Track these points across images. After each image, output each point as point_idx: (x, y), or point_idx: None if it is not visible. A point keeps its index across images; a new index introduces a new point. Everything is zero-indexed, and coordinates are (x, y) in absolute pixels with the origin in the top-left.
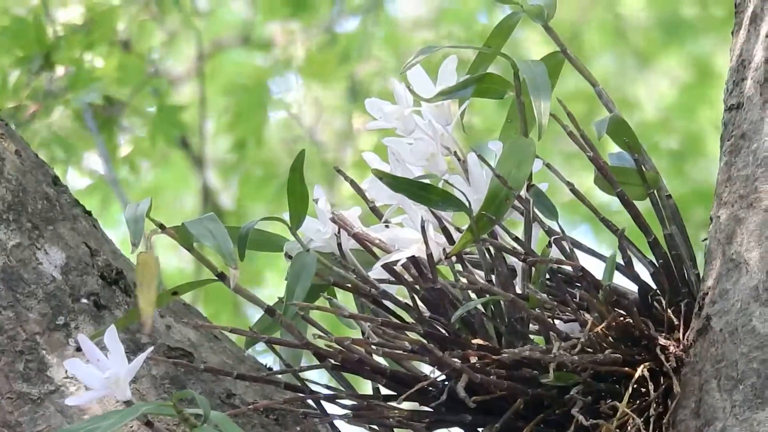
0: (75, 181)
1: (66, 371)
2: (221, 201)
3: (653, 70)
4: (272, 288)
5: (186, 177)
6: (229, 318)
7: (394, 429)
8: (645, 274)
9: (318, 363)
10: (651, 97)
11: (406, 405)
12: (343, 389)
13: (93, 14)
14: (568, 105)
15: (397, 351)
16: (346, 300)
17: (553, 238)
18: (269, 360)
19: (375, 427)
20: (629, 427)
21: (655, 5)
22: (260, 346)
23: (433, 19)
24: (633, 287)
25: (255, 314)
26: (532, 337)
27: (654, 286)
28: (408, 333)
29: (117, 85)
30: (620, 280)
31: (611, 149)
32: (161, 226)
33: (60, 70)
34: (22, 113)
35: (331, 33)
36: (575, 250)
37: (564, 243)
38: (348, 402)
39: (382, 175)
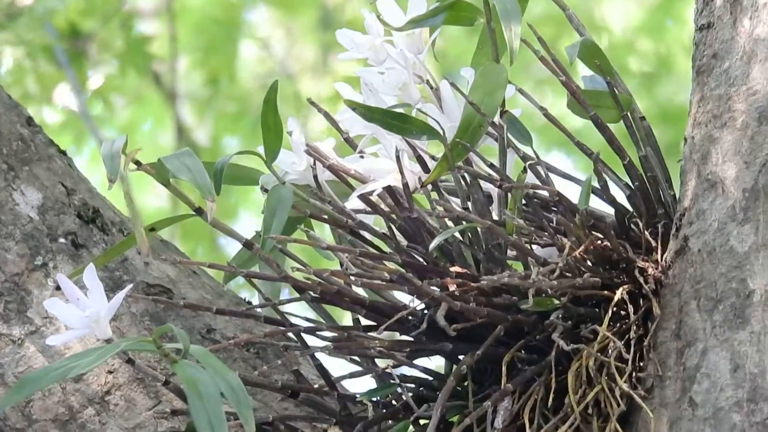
0: (47, 116)
1: (46, 311)
2: (196, 137)
3: None
4: (247, 224)
5: (161, 114)
6: (206, 253)
7: (375, 359)
8: (621, 197)
9: (297, 296)
10: (618, 19)
11: (386, 335)
12: (323, 321)
13: None
14: (537, 30)
15: (376, 281)
16: (323, 232)
17: (528, 163)
18: (248, 294)
19: (356, 357)
20: (610, 351)
21: None
22: (239, 280)
23: None
24: (610, 210)
25: (231, 248)
26: (510, 263)
27: (630, 209)
28: (386, 263)
29: (84, 16)
30: (597, 203)
31: (582, 74)
32: (137, 163)
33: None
34: None
35: None
36: (551, 174)
37: (539, 168)
38: (328, 334)
39: (355, 106)
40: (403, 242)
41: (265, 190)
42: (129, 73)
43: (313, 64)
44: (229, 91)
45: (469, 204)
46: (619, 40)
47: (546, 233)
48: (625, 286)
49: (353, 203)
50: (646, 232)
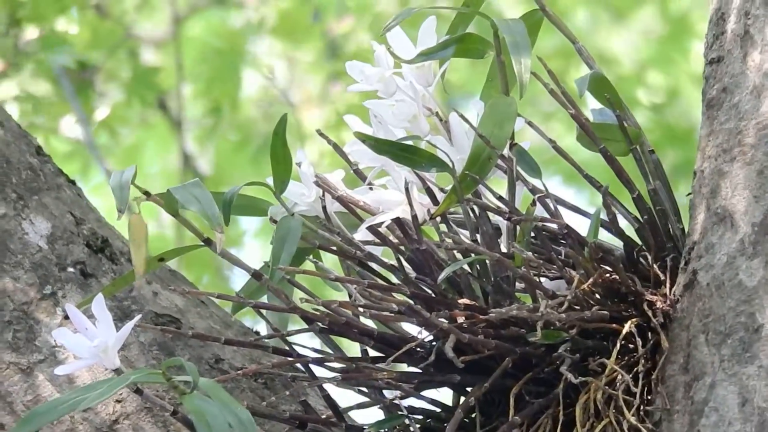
0: (54, 146)
1: (54, 340)
2: (199, 166)
3: (628, 25)
4: (253, 251)
5: (166, 139)
6: (212, 281)
7: (383, 390)
8: (630, 230)
9: (306, 326)
10: (627, 51)
11: (394, 366)
12: (331, 352)
13: None
14: (546, 63)
15: (385, 313)
16: (331, 263)
17: (537, 196)
18: (254, 323)
19: (363, 389)
20: (618, 384)
21: None
22: (246, 309)
23: None
24: (618, 243)
25: (236, 277)
26: (518, 295)
27: (639, 242)
28: (395, 294)
29: (91, 48)
30: (605, 236)
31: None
32: (146, 193)
33: (32, 33)
34: None
35: None
36: (559, 207)
37: (548, 201)
38: (336, 365)
39: (364, 138)
40: (412, 274)
41: (274, 221)
42: (134, 104)
43: (316, 94)
44: (232, 119)
45: (478, 236)
46: (628, 73)
47: (554, 266)
48: (634, 320)
49: (362, 235)
50: (655, 266)
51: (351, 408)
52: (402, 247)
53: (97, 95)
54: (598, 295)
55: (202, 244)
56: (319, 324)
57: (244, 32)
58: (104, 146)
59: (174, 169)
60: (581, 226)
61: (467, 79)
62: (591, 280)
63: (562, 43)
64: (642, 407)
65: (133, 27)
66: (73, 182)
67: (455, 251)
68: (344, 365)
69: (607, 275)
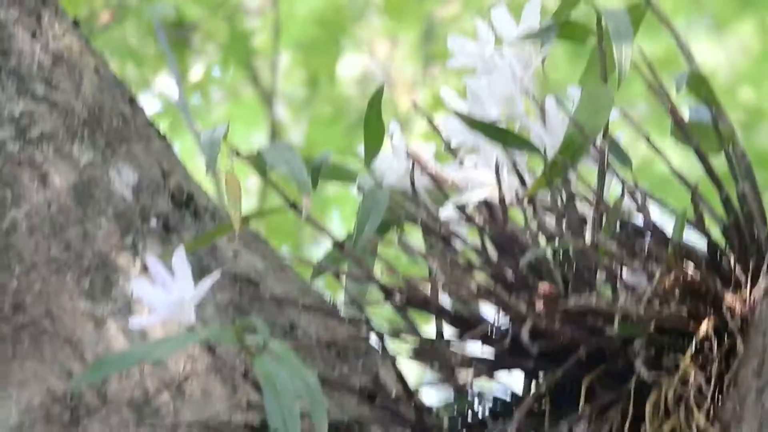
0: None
1: (131, 292)
2: (290, 137)
3: (726, 38)
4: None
5: (256, 114)
6: (292, 252)
7: (455, 368)
8: (715, 230)
9: (384, 299)
10: (722, 64)
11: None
12: (407, 327)
13: None
14: (646, 55)
15: (464, 292)
16: (415, 238)
17: (626, 188)
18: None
19: (436, 367)
20: (690, 384)
21: None
22: (325, 282)
23: None
24: (702, 243)
25: (316, 254)
26: (598, 286)
27: (723, 243)
28: (475, 274)
29: (191, 3)
30: (690, 234)
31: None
32: (236, 152)
33: None
34: (95, 22)
35: None
36: (647, 203)
37: (637, 194)
38: (411, 340)
39: (459, 114)
40: (494, 255)
41: (361, 191)
42: (229, 66)
43: (412, 76)
44: (328, 93)
45: (564, 223)
46: (722, 87)
47: (637, 260)
48: (711, 320)
49: (448, 211)
50: (737, 268)
51: (421, 385)
52: (487, 228)
53: (193, 54)
54: (677, 293)
55: (289, 208)
56: (398, 297)
57: (349, 6)
58: (195, 110)
59: (261, 144)
60: (666, 223)
61: (566, 74)
62: (672, 277)
63: (656, 46)
64: (712, 409)
65: None
66: (163, 135)
67: (539, 236)
68: (418, 342)
69: (689, 274)
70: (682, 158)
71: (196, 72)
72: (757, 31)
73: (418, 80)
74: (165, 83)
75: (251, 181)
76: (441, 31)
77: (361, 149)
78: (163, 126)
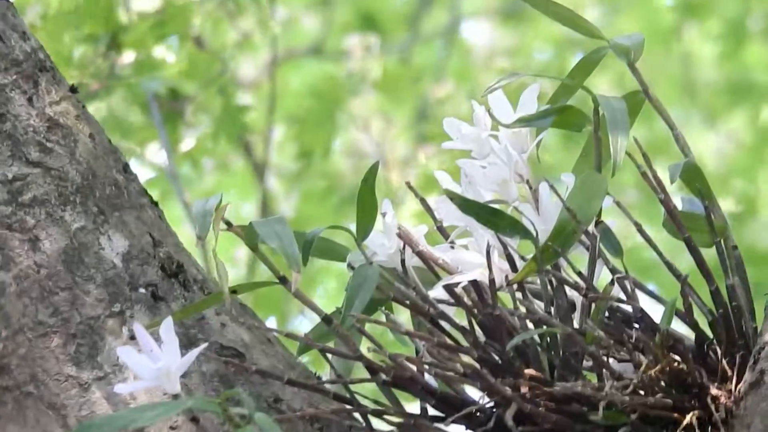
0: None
1: (116, 359)
2: (280, 209)
3: (717, 128)
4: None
5: (246, 184)
6: (279, 324)
7: None
8: (703, 322)
9: (369, 377)
10: (713, 155)
11: (452, 428)
12: (391, 405)
13: (168, 7)
14: (632, 151)
15: (450, 373)
16: (403, 317)
17: (616, 276)
18: (318, 370)
19: None
20: None
21: (726, 66)
22: (310, 356)
23: (508, 50)
24: (690, 334)
25: (302, 325)
26: (584, 373)
27: (711, 335)
28: (462, 356)
29: (185, 78)
30: (678, 325)
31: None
32: (228, 224)
33: (128, 57)
34: (84, 90)
35: (404, 55)
36: (636, 291)
37: (626, 282)
38: (395, 419)
39: (453, 196)
40: (482, 338)
41: (351, 267)
42: (221, 139)
43: (404, 154)
44: (321, 166)
45: (552, 309)
46: (712, 177)
47: (624, 348)
48: (696, 412)
49: (437, 292)
50: (724, 361)
51: None
52: (475, 310)
53: (185, 126)
54: (663, 383)
55: (277, 281)
56: (383, 375)
57: (345, 83)
58: (185, 177)
59: (250, 218)
60: (655, 313)
61: (560, 158)
62: (659, 366)
63: (651, 134)
64: None
65: (230, 63)
66: (156, 204)
67: (528, 320)
68: (402, 420)
69: (675, 364)
70: (669, 241)
71: (188, 143)
72: (749, 123)
73: (410, 158)
74: (154, 152)
75: (239, 252)
76: (434, 110)
77: (353, 225)
78: (152, 194)
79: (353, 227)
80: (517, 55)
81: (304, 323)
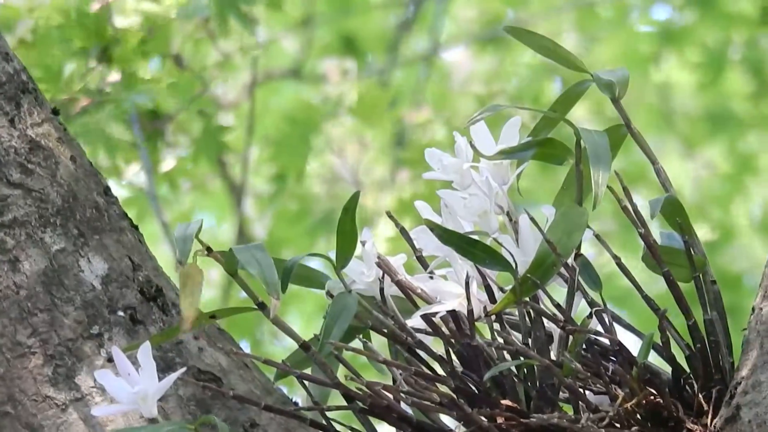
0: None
1: (93, 381)
2: (255, 231)
3: (695, 158)
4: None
5: (222, 205)
6: (252, 349)
7: None
8: (680, 356)
9: (346, 404)
10: (690, 184)
11: None
12: None
13: (150, 24)
14: (611, 182)
15: (426, 402)
16: (380, 345)
17: (594, 309)
18: (295, 395)
19: None
20: None
21: (705, 96)
22: (287, 382)
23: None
24: (667, 368)
25: (275, 350)
26: (561, 405)
27: (688, 370)
28: (438, 385)
29: (167, 96)
30: (655, 359)
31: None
32: (208, 249)
33: (115, 75)
34: (73, 106)
35: (382, 78)
36: (614, 324)
37: (604, 315)
38: None
39: (433, 226)
40: (459, 368)
41: (330, 295)
42: (201, 160)
43: (381, 179)
44: (294, 189)
45: (530, 340)
46: (689, 206)
47: (601, 381)
48: None
49: (415, 322)
50: (700, 395)
51: None
52: (453, 340)
53: (165, 146)
54: (639, 416)
55: (256, 307)
56: (360, 403)
57: (321, 107)
58: (163, 197)
59: (226, 239)
60: (633, 346)
61: (536, 187)
62: (635, 400)
63: (628, 162)
64: None
65: (210, 84)
66: (136, 227)
67: (505, 351)
68: None
69: (652, 397)
70: (645, 268)
71: (168, 163)
72: (727, 152)
73: (386, 184)
74: (134, 171)
75: (213, 273)
76: (411, 135)
77: (332, 253)
78: (130, 214)
79: (328, 251)
80: (494, 80)
81: (278, 349)
